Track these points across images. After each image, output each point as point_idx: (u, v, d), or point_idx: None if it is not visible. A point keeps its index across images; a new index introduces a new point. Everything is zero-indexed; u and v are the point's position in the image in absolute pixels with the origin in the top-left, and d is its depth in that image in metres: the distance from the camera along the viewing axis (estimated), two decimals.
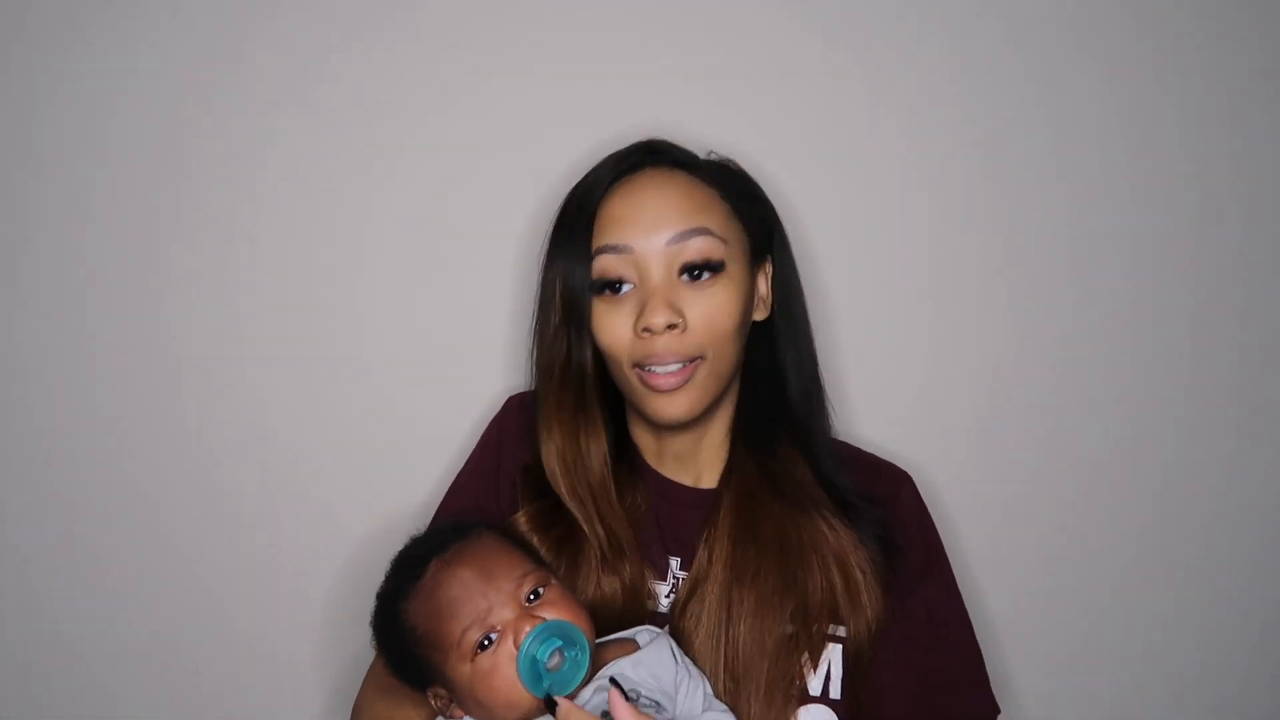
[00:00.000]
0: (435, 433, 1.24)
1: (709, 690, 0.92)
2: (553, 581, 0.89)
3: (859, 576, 0.98)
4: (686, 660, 0.93)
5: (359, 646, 1.14)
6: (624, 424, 1.08)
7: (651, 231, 0.97)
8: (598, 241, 0.99)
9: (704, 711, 0.89)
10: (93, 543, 1.24)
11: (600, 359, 1.03)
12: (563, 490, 1.01)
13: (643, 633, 0.94)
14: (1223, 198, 1.29)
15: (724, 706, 0.92)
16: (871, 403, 1.26)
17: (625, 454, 1.06)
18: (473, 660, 0.84)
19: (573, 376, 1.02)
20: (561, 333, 1.01)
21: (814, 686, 0.99)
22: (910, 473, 1.10)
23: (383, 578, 0.94)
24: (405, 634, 0.88)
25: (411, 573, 0.89)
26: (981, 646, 1.07)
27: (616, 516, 1.01)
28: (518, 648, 0.82)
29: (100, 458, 1.24)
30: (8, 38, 1.19)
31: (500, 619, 0.84)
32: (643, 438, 1.07)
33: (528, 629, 0.83)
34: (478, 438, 1.15)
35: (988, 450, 1.29)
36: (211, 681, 1.26)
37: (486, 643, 0.84)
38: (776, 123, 1.24)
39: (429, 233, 1.25)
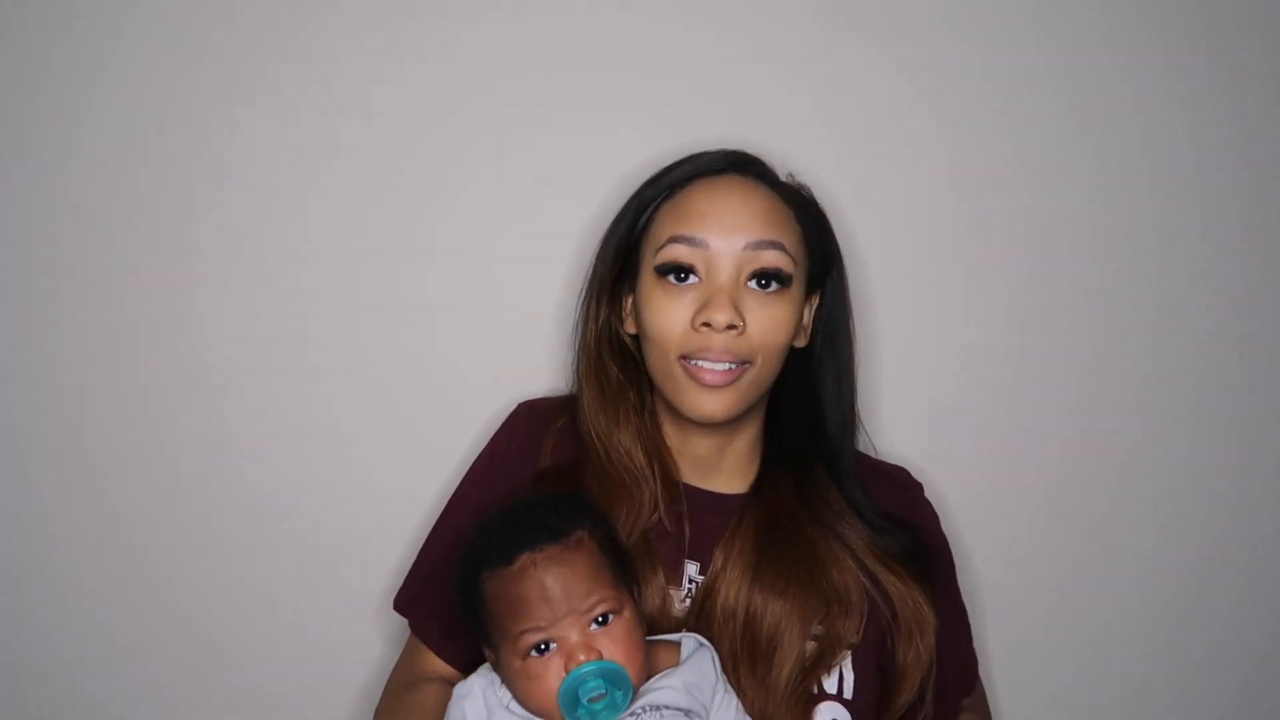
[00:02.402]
0: (444, 436, 1.21)
1: (740, 704, 0.92)
2: (626, 609, 0.89)
3: (919, 598, 1.01)
4: (723, 674, 0.93)
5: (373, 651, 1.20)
6: None
7: (730, 232, 0.99)
8: (673, 230, 1.00)
9: None
10: (105, 544, 1.23)
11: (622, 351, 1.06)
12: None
13: (688, 639, 0.94)
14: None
15: None
16: (891, 418, 1.26)
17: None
18: (524, 659, 0.87)
19: (613, 350, 1.06)
20: (605, 309, 1.06)
21: (829, 684, 1.00)
22: (916, 477, 1.15)
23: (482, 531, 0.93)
24: (479, 598, 0.90)
25: (501, 555, 0.88)
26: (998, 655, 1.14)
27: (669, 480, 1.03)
28: (567, 672, 0.85)
29: (113, 454, 1.22)
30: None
31: (561, 634, 0.86)
32: (667, 440, 1.07)
33: (582, 658, 0.85)
34: (483, 441, 1.13)
35: (1005, 464, 1.31)
36: (224, 681, 1.25)
37: (544, 646, 0.86)
38: (841, 140, 1.26)
39: (440, 237, 1.24)
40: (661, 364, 1.01)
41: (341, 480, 1.24)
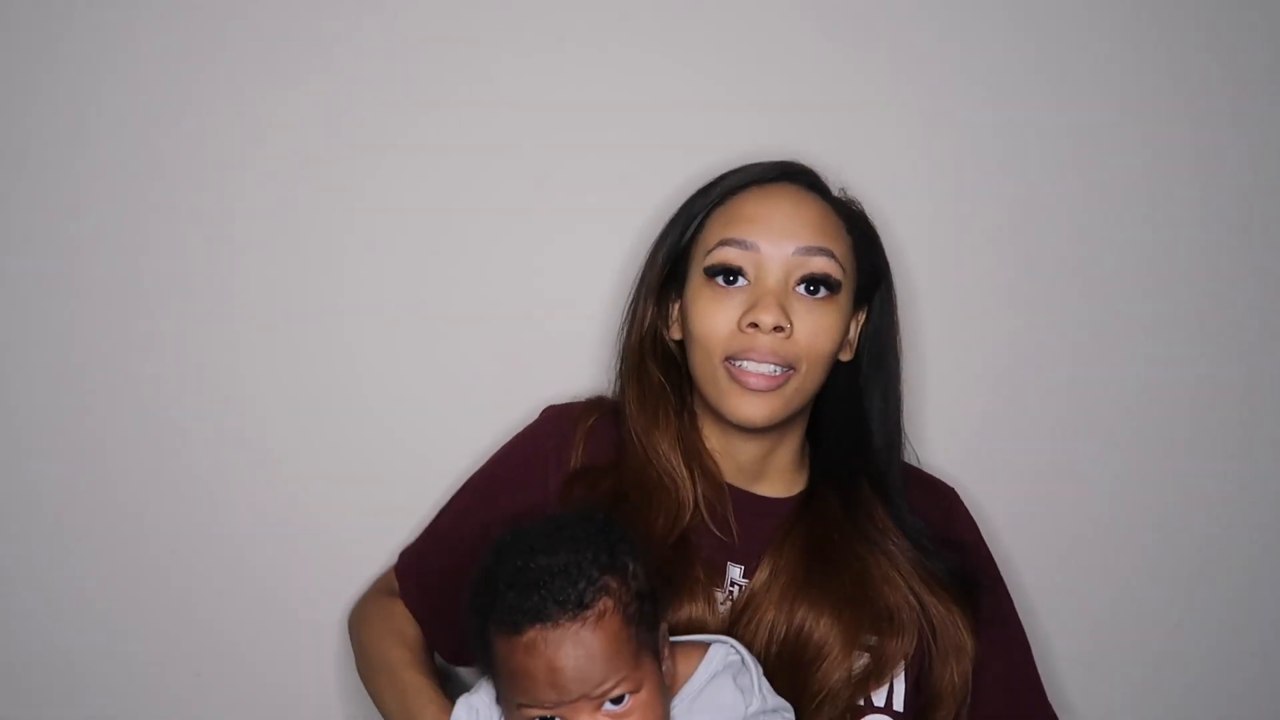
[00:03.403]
0: (484, 437, 1.20)
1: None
2: (645, 687, 0.81)
3: (958, 621, 1.01)
4: (761, 685, 0.88)
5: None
6: None
7: (780, 237, 1.00)
8: (724, 233, 1.01)
9: None
10: (88, 549, 1.22)
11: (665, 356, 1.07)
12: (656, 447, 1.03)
13: (717, 647, 0.90)
14: None
15: None
16: (937, 433, 1.27)
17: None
18: None
19: (655, 353, 1.07)
20: (651, 311, 1.06)
21: (877, 697, 1.00)
22: (955, 488, 1.15)
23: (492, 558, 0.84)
24: (487, 644, 0.83)
25: (509, 619, 0.79)
26: (1048, 670, 1.12)
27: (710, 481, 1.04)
28: None
29: (96, 463, 1.21)
30: None
31: (568, 716, 0.79)
32: (709, 443, 1.07)
33: None
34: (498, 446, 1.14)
35: (1052, 478, 1.32)
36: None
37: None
38: (847, 150, 1.22)
39: (486, 241, 1.24)
40: (705, 366, 1.01)
41: (355, 496, 1.23)
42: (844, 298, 1.02)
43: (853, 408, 1.08)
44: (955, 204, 1.28)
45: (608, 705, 0.79)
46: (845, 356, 1.07)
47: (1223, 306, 1.32)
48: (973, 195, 1.28)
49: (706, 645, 0.91)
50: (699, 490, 1.02)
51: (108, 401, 1.20)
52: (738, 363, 0.99)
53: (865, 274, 1.06)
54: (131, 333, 1.20)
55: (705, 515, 1.02)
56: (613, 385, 1.12)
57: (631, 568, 0.83)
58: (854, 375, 1.08)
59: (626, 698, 0.80)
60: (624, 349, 1.10)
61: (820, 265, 0.99)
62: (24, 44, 1.16)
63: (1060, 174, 1.29)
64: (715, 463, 1.05)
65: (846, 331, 1.04)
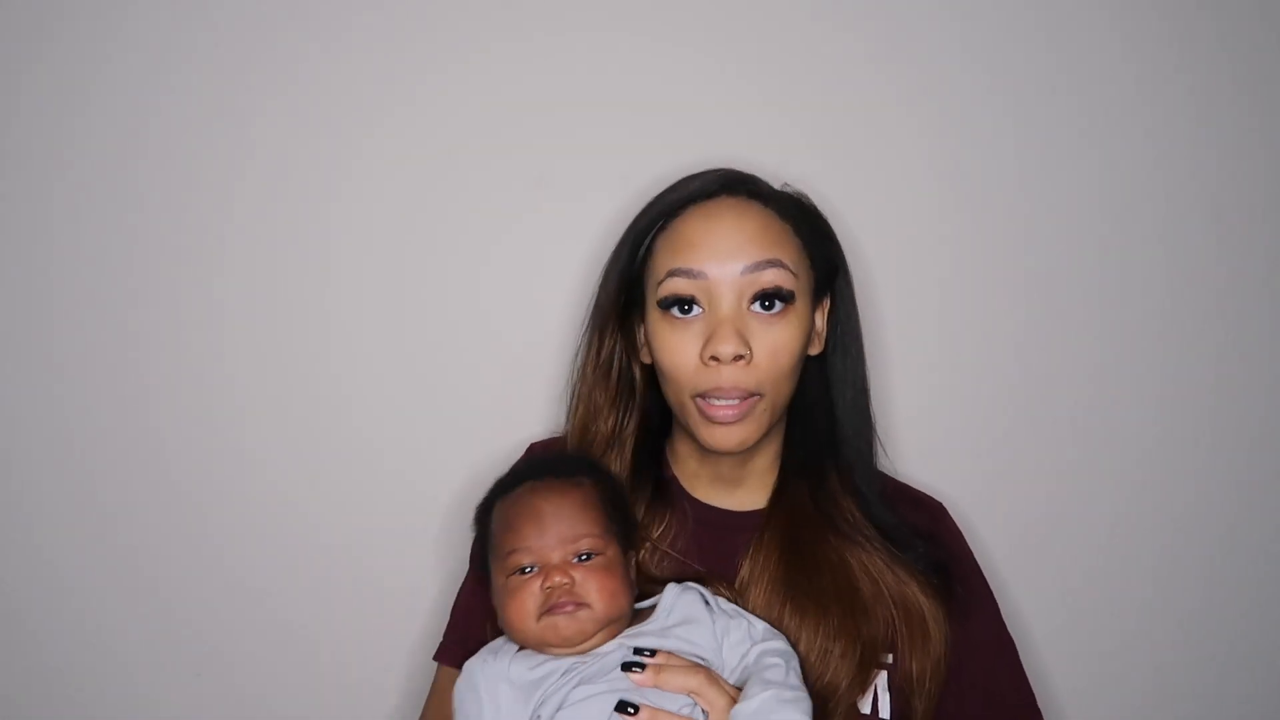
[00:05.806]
0: (451, 458, 1.23)
1: (754, 624, 0.95)
2: (610, 551, 0.94)
3: (924, 609, 1.00)
4: (719, 604, 0.96)
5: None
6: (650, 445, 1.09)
7: (726, 259, 0.98)
8: (671, 263, 1.00)
9: (752, 646, 0.93)
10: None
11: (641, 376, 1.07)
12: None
13: (667, 592, 0.97)
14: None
15: (775, 633, 0.95)
16: (911, 432, 1.26)
17: (660, 482, 1.07)
18: (509, 576, 0.94)
19: (620, 379, 1.08)
20: (610, 340, 1.07)
21: (863, 704, 0.99)
22: (944, 503, 1.13)
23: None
24: (488, 524, 0.99)
25: (510, 483, 1.00)
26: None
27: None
28: (542, 591, 0.91)
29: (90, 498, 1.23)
30: None
31: (544, 558, 0.93)
32: (684, 458, 1.08)
33: (557, 579, 0.91)
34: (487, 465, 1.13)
35: (1023, 474, 1.30)
36: None
37: (527, 569, 0.93)
38: (839, 153, 1.25)
39: (456, 268, 1.25)
40: (677, 398, 1.01)
41: (348, 496, 1.25)
42: (800, 302, 1.00)
43: (822, 399, 1.07)
44: (916, 193, 1.27)
45: (575, 560, 0.93)
46: (814, 350, 1.06)
47: (1197, 296, 1.30)
48: (929, 183, 1.27)
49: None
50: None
51: (105, 406, 1.22)
52: (706, 399, 0.99)
53: (820, 269, 1.04)
54: (123, 338, 1.22)
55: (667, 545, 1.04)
56: (567, 414, 1.10)
57: (612, 484, 1.02)
58: (823, 366, 1.08)
59: (592, 556, 0.93)
60: (577, 377, 1.09)
61: (771, 279, 0.98)
62: (3, 45, 1.18)
63: (1037, 166, 1.28)
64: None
65: (811, 327, 1.03)
